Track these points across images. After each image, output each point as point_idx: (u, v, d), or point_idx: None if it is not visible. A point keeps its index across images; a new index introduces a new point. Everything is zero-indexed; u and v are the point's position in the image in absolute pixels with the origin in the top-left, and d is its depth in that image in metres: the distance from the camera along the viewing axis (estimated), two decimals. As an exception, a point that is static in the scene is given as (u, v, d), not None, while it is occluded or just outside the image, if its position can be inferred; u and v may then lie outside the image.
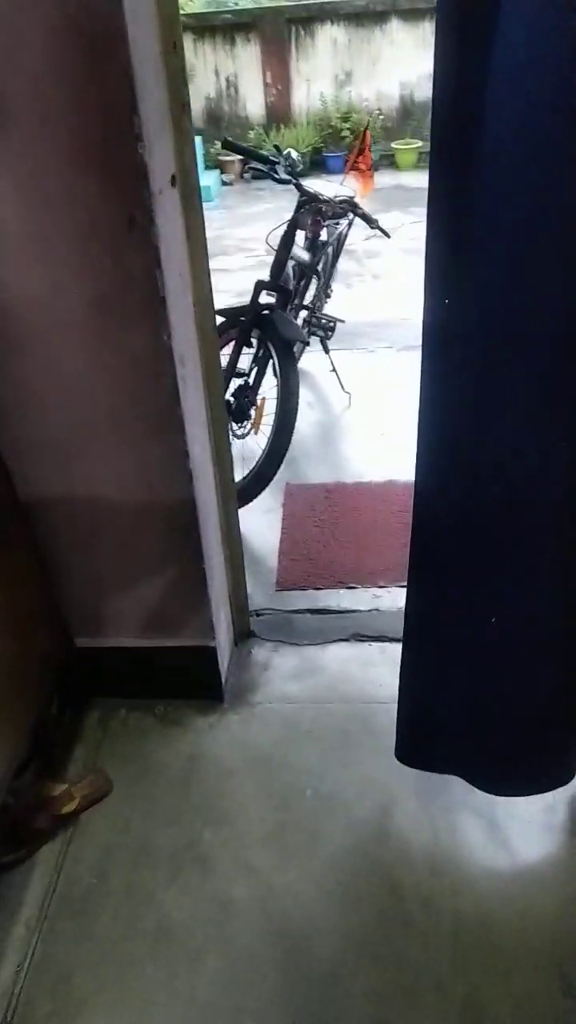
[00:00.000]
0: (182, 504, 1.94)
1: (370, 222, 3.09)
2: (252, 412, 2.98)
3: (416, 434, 1.51)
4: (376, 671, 2.32)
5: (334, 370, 3.83)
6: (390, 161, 9.36)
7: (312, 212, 3.12)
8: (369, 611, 2.54)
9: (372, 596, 2.61)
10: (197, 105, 9.22)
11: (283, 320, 2.82)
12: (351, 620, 2.51)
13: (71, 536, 2.02)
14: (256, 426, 2.93)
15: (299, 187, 2.99)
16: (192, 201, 1.82)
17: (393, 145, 9.26)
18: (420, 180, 8.85)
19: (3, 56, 1.44)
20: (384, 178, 8.96)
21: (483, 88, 1.17)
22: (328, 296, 3.85)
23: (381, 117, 9.34)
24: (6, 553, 1.90)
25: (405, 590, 1.70)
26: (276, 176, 2.92)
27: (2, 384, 1.81)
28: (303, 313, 3.48)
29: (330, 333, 3.45)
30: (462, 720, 1.70)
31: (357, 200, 3.10)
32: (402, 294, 5.46)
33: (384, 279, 5.88)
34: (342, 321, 3.54)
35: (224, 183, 9.23)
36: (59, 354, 1.75)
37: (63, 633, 2.17)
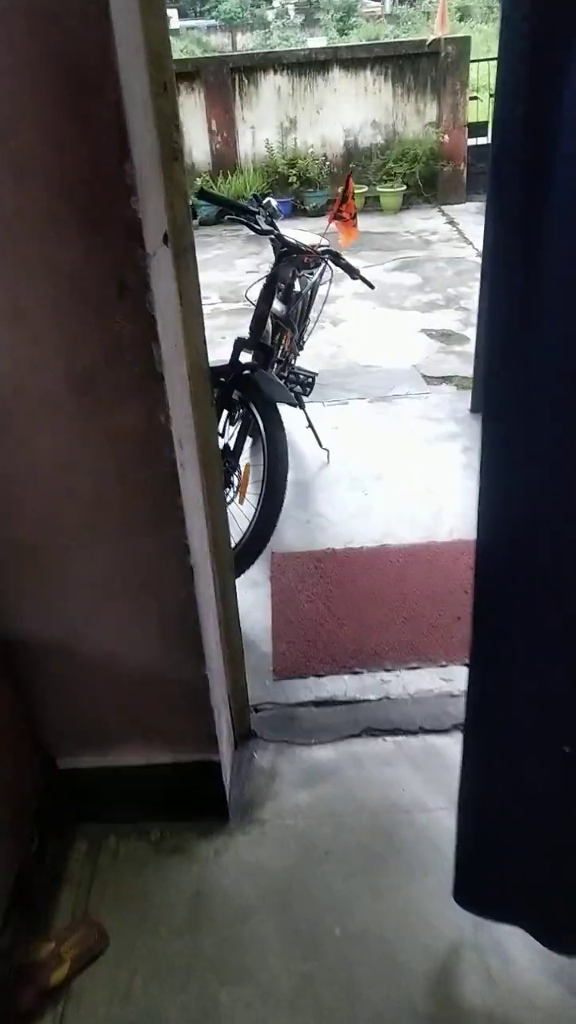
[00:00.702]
0: (181, 605, 1.68)
1: (352, 273, 2.92)
2: (235, 479, 2.74)
3: (477, 501, 1.28)
4: (395, 772, 2.07)
5: (310, 426, 3.63)
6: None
7: (292, 264, 2.93)
8: (379, 700, 2.29)
9: (380, 682, 2.36)
10: (141, 152, 9.08)
11: (267, 380, 2.61)
12: (360, 712, 2.26)
13: (48, 646, 1.74)
14: (241, 494, 2.69)
15: (280, 238, 2.80)
16: (186, 260, 1.60)
17: (339, 190, 9.25)
18: (367, 224, 8.85)
19: (-32, 97, 1.21)
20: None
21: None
22: (300, 349, 3.66)
23: (327, 163, 9.35)
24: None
25: (466, 681, 1.45)
26: (256, 227, 2.72)
27: (-33, 477, 1.53)
28: (277, 368, 3.27)
29: (308, 389, 3.25)
30: (534, 858, 1.46)
31: (337, 250, 2.92)
32: (361, 340, 5.33)
33: (343, 325, 5.74)
34: (315, 374, 3.35)
35: (172, 230, 9.08)
36: (36, 441, 1.49)
37: (42, 755, 1.87)
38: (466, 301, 6.11)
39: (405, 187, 9.15)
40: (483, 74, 9.32)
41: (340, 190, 2.88)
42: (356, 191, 9.09)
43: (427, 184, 9.20)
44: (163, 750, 1.87)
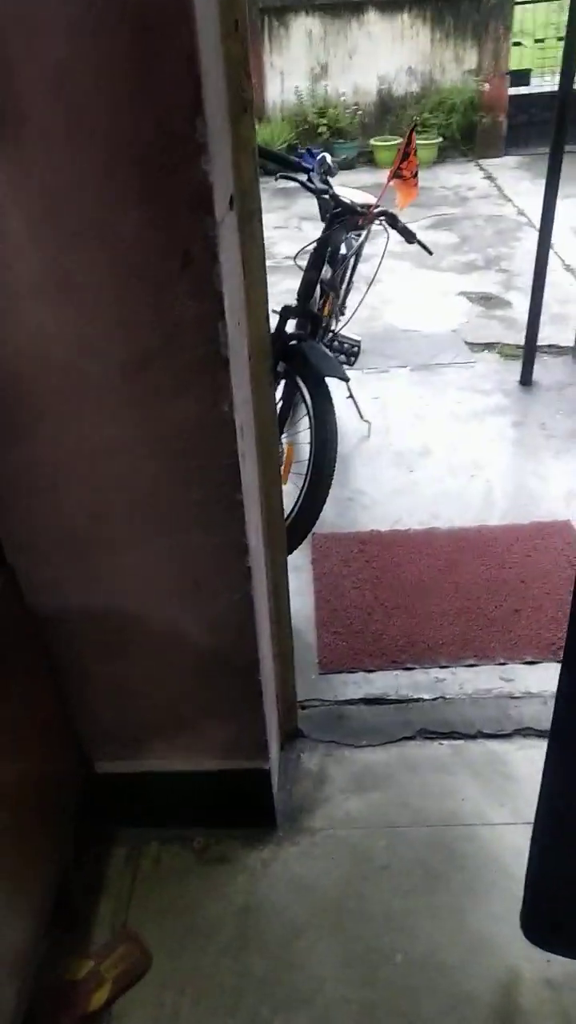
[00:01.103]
0: (235, 607, 1.54)
1: (409, 237, 2.71)
2: (279, 456, 2.58)
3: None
4: (453, 780, 1.94)
5: (351, 396, 3.45)
6: (368, 158, 8.98)
7: (345, 227, 2.72)
8: (433, 700, 2.16)
9: (434, 679, 2.23)
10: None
11: (316, 352, 2.43)
12: (414, 712, 2.13)
13: (93, 644, 1.61)
14: (284, 475, 2.53)
15: (335, 198, 2.59)
16: (252, 227, 1.42)
17: (371, 142, 8.89)
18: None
19: (9, 36, 1.03)
20: (363, 176, 8.59)
21: None
22: (343, 313, 3.45)
23: (359, 113, 8.96)
24: (5, 669, 1.48)
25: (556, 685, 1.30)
26: (311, 185, 2.52)
27: (9, 466, 1.39)
28: (320, 335, 3.08)
29: (353, 359, 3.06)
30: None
31: (395, 211, 2.71)
32: (398, 302, 5.08)
33: (378, 285, 5.49)
34: (359, 342, 3.16)
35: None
36: (85, 428, 1.34)
37: (80, 758, 1.75)
38: (506, 263, 5.84)
39: (441, 139, 8.75)
40: (527, 18, 8.84)
41: (401, 145, 2.66)
42: (389, 142, 8.74)
43: (464, 136, 8.80)
44: (211, 756, 1.75)
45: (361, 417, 3.49)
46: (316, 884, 1.73)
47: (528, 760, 1.97)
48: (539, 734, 2.03)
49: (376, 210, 2.65)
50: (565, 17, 8.26)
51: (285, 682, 1.98)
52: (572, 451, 3.22)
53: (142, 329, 1.25)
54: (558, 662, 2.27)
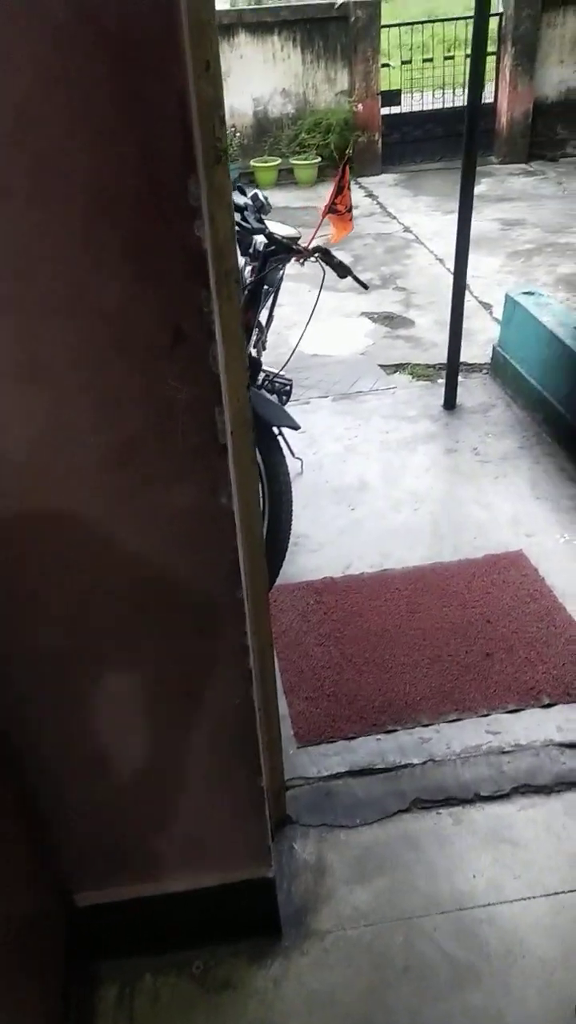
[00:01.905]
0: (236, 712, 1.37)
1: (343, 272, 2.60)
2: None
3: None
4: (459, 853, 1.82)
5: (280, 433, 3.29)
6: (249, 179, 8.92)
7: (281, 265, 2.58)
8: (423, 764, 2.04)
9: (419, 740, 2.11)
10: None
11: (262, 401, 2.28)
12: (405, 779, 2.00)
13: (72, 767, 1.39)
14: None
15: (270, 237, 2.45)
16: (229, 289, 1.26)
17: (252, 163, 8.84)
18: (284, 198, 8.45)
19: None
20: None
21: None
22: (264, 349, 3.31)
23: (237, 135, 8.89)
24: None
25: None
26: (247, 225, 2.36)
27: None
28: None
29: (286, 398, 2.92)
30: None
31: (327, 246, 2.59)
32: (302, 324, 4.98)
33: (278, 309, 5.38)
34: (291, 380, 3.02)
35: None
36: (64, 527, 1.14)
37: (59, 892, 1.52)
38: (402, 280, 5.88)
39: (320, 159, 8.79)
40: (393, 40, 9.03)
41: (335, 180, 2.55)
42: (269, 163, 8.71)
43: (342, 155, 8.86)
44: (208, 872, 1.56)
45: (292, 454, 3.34)
46: (336, 999, 1.57)
47: (531, 822, 1.87)
48: (536, 790, 1.94)
49: (311, 246, 2.53)
50: (418, 39, 8.33)
51: (274, 769, 1.80)
52: (508, 475, 3.20)
53: (127, 415, 1.07)
54: (541, 707, 2.21)
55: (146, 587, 1.21)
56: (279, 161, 8.88)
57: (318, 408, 3.87)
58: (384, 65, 8.89)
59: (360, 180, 8.83)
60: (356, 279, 2.65)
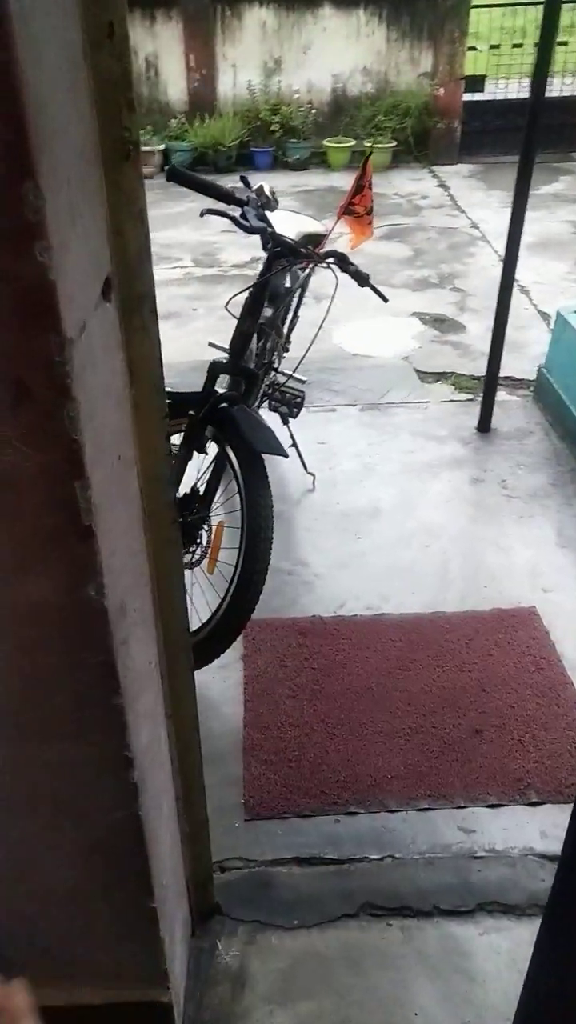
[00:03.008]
0: (119, 826, 1.13)
1: (361, 281, 2.31)
2: (203, 536, 2.17)
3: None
4: (404, 981, 1.56)
5: (294, 445, 3.04)
6: (321, 159, 8.58)
7: (288, 270, 2.32)
8: (380, 859, 1.78)
9: (381, 828, 1.85)
10: (107, 87, 8.16)
11: (250, 421, 2.01)
12: (357, 876, 1.75)
13: None
14: (211, 561, 2.12)
15: (274, 237, 2.17)
16: (142, 317, 1.00)
17: (325, 142, 8.48)
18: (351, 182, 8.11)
19: None
20: (315, 178, 8.22)
21: None
22: (286, 351, 3.05)
23: (312, 111, 8.53)
24: None
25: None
26: (246, 223, 2.08)
27: None
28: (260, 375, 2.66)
29: (296, 410, 2.65)
30: None
31: (345, 251, 2.30)
32: (347, 320, 4.68)
33: (326, 302, 5.12)
34: (303, 393, 2.75)
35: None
36: None
37: None
38: (460, 281, 5.52)
39: (395, 143, 8.39)
40: (482, 22, 8.54)
41: (355, 178, 2.25)
42: (343, 144, 8.35)
43: (418, 141, 8.45)
44: (92, 989, 1.33)
45: (305, 469, 3.09)
46: None
47: (493, 951, 1.60)
48: (505, 910, 1.67)
49: (323, 251, 2.25)
50: (520, 22, 7.80)
51: (199, 857, 1.57)
52: (535, 515, 2.88)
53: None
54: (526, 805, 1.92)
55: (4, 683, 0.98)
56: (353, 142, 8.50)
57: (343, 418, 3.59)
58: (471, 48, 8.41)
59: (434, 169, 8.42)
60: (375, 290, 2.36)
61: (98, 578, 0.89)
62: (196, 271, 5.61)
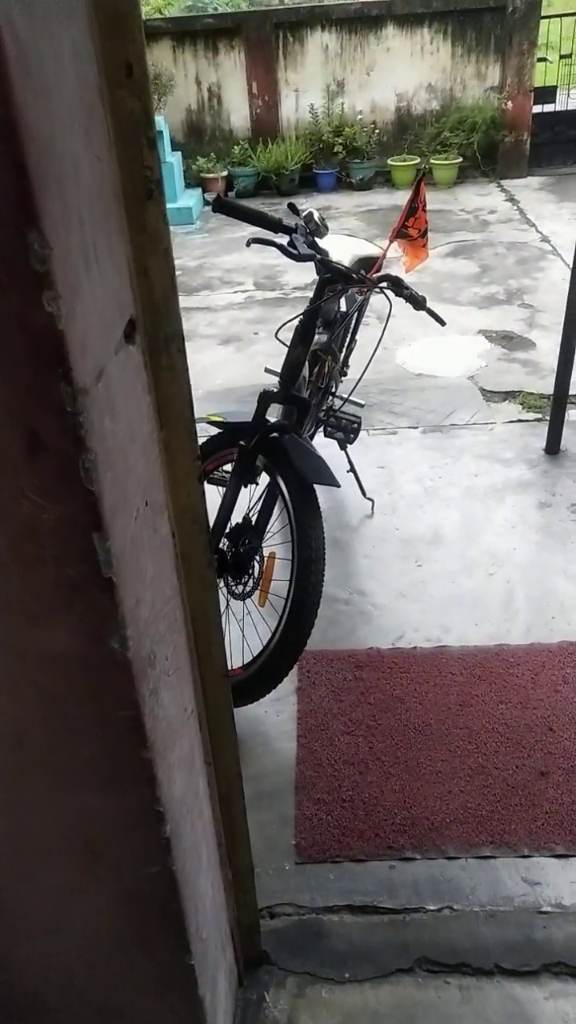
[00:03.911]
0: (152, 880, 1.09)
1: (418, 305, 2.26)
2: (255, 566, 2.13)
3: None
4: (462, 1042, 1.47)
5: (352, 470, 2.99)
6: (386, 178, 8.55)
7: (339, 295, 2.28)
8: (438, 911, 1.69)
9: (439, 877, 1.76)
10: (176, 117, 8.35)
11: (301, 451, 1.98)
12: (413, 928, 1.66)
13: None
14: (263, 593, 2.08)
15: (326, 264, 2.14)
16: (170, 357, 0.97)
17: (389, 161, 8.46)
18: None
19: None
20: (379, 197, 8.19)
21: None
22: (344, 375, 3.00)
23: (376, 131, 8.52)
24: None
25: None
26: (294, 252, 2.05)
27: None
28: (316, 401, 2.62)
29: (352, 436, 2.60)
30: None
31: (399, 275, 2.25)
32: (412, 339, 4.61)
33: (390, 321, 5.05)
34: (359, 419, 2.69)
35: (207, 203, 8.35)
36: None
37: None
38: (529, 296, 5.39)
39: (461, 159, 8.30)
40: (553, 31, 8.38)
41: (408, 200, 2.20)
42: (407, 162, 8.30)
43: (485, 156, 8.33)
44: (130, 1043, 1.30)
45: (364, 494, 3.03)
46: None
47: (560, 1017, 1.49)
48: (573, 972, 1.56)
49: (376, 275, 2.20)
50: None
51: (243, 905, 1.52)
52: (608, 542, 2.75)
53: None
54: (598, 858, 1.81)
55: (23, 736, 0.95)
56: (418, 160, 8.45)
57: (405, 440, 3.52)
58: (541, 59, 8.27)
59: (503, 183, 8.29)
60: (431, 313, 2.30)
61: (121, 630, 0.86)
62: (258, 294, 5.64)
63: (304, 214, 2.17)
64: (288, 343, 2.20)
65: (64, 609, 0.85)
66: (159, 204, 0.89)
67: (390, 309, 2.29)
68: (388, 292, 2.23)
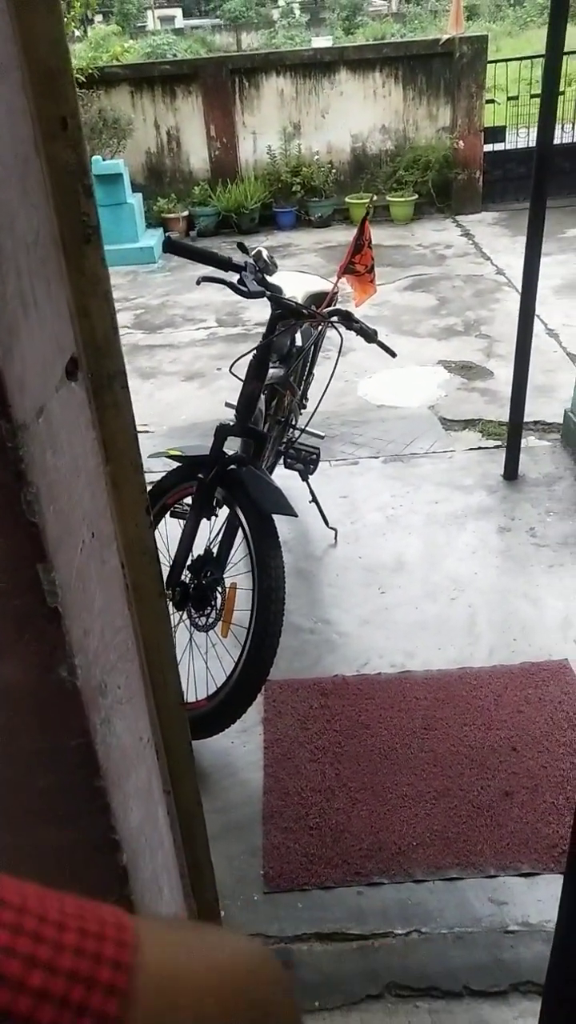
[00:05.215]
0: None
1: (369, 338, 2.32)
2: (217, 598, 2.15)
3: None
4: (432, 1066, 1.47)
5: (315, 500, 3.04)
6: (344, 215, 8.76)
7: (290, 331, 2.34)
8: (406, 935, 1.70)
9: (407, 901, 1.77)
10: (136, 160, 8.50)
11: (258, 482, 2.01)
12: (382, 955, 1.67)
13: None
14: (225, 624, 2.10)
15: (276, 300, 2.20)
16: (113, 394, 1.01)
17: (347, 199, 8.67)
18: (376, 236, 8.24)
19: None
20: (338, 234, 8.37)
21: None
22: (303, 408, 3.06)
23: (333, 171, 8.75)
24: None
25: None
26: (244, 289, 2.12)
27: None
28: (276, 432, 2.67)
29: (312, 467, 2.65)
30: None
31: (351, 308, 2.32)
32: (373, 371, 4.70)
33: (351, 355, 5.11)
34: (318, 450, 2.75)
35: (168, 243, 8.48)
36: None
37: None
38: (487, 327, 5.53)
39: (417, 196, 8.55)
40: (499, 75, 8.70)
41: (354, 237, 2.28)
42: (363, 199, 8.50)
43: (440, 193, 8.59)
44: None
45: (327, 524, 3.07)
46: None
47: (530, 1037, 1.50)
48: (541, 991, 1.56)
49: (327, 310, 2.26)
50: (538, 73, 7.99)
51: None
52: (566, 564, 2.81)
53: None
54: (561, 874, 1.82)
55: (-22, 768, 0.96)
56: (374, 198, 8.66)
57: (366, 470, 3.58)
58: (489, 101, 8.57)
59: (458, 218, 8.53)
60: (382, 346, 2.37)
61: (69, 659, 0.88)
62: (220, 331, 5.72)
63: (253, 252, 2.24)
64: (243, 378, 2.25)
65: (13, 640, 0.87)
66: (97, 248, 0.93)
67: (341, 342, 2.35)
68: (339, 326, 2.29)
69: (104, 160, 7.59)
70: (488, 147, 8.56)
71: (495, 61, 8.50)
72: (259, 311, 5.98)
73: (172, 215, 8.40)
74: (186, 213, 8.47)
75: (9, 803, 0.99)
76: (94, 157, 7.41)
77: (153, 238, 7.94)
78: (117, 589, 1.06)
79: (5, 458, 0.76)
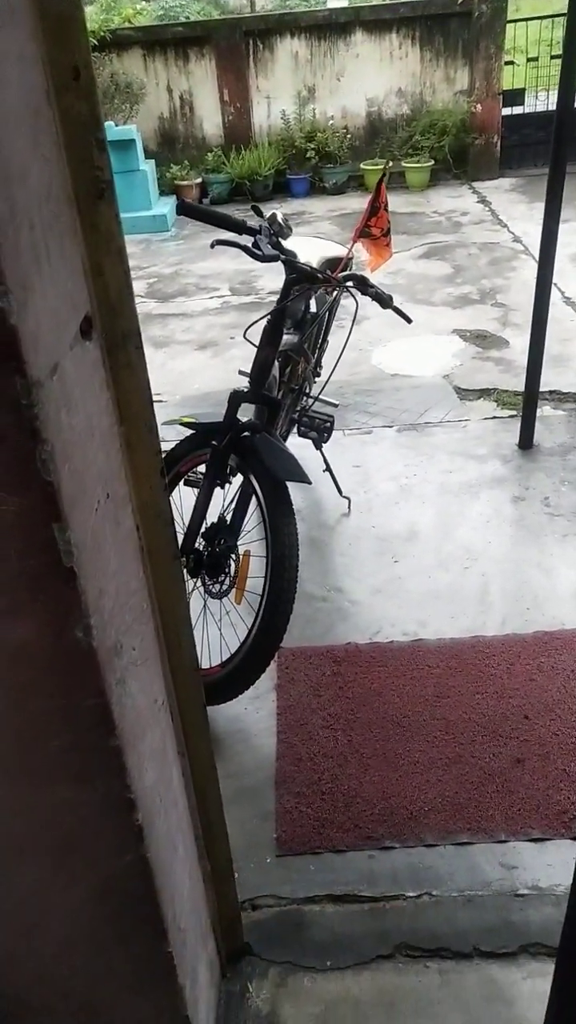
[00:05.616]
0: (126, 869, 1.11)
1: (384, 303, 2.29)
2: (231, 564, 2.15)
3: None
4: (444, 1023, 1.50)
5: (328, 469, 3.02)
6: (359, 182, 8.63)
7: (305, 296, 2.31)
8: (417, 897, 1.72)
9: (418, 864, 1.78)
10: (149, 125, 8.38)
11: (272, 449, 2.00)
12: (392, 916, 1.69)
13: None
14: (239, 591, 2.10)
15: (291, 264, 2.17)
16: (127, 354, 1.00)
17: (362, 166, 8.53)
18: (392, 203, 8.12)
19: None
20: (352, 201, 8.25)
21: None
22: (317, 376, 3.04)
23: (348, 136, 8.59)
24: None
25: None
26: (258, 253, 2.09)
27: None
28: (290, 401, 2.65)
29: (326, 435, 2.64)
30: None
31: (365, 274, 2.28)
32: (387, 342, 4.65)
33: (365, 323, 5.05)
34: (332, 417, 2.73)
35: (180, 210, 8.39)
36: None
37: None
38: (502, 295, 5.45)
39: (433, 162, 8.39)
40: (519, 35, 8.48)
41: (369, 200, 2.24)
42: (378, 166, 8.36)
43: (457, 158, 8.43)
44: (111, 1035, 1.31)
45: (340, 493, 3.06)
46: None
47: (538, 998, 1.51)
48: (550, 952, 1.58)
49: (342, 274, 2.23)
50: (559, 34, 7.75)
51: (224, 897, 1.53)
52: (581, 533, 2.79)
53: None
54: (571, 839, 1.84)
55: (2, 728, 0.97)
56: (389, 164, 8.50)
57: (380, 439, 3.55)
58: (508, 63, 8.37)
59: (474, 185, 8.38)
60: (398, 311, 2.33)
61: (85, 619, 0.88)
62: (233, 299, 5.68)
63: (268, 216, 2.21)
64: (257, 344, 2.23)
65: (28, 601, 0.87)
66: (111, 204, 0.91)
67: (356, 308, 2.32)
68: (354, 291, 2.27)
69: (116, 126, 7.48)
70: (506, 111, 8.38)
71: (515, 20, 8.28)
72: (272, 280, 5.92)
73: (185, 182, 8.30)
74: (199, 180, 8.36)
75: (26, 760, 1.00)
76: (106, 123, 7.31)
77: (166, 206, 7.85)
78: (132, 551, 1.06)
79: (20, 415, 0.76)
